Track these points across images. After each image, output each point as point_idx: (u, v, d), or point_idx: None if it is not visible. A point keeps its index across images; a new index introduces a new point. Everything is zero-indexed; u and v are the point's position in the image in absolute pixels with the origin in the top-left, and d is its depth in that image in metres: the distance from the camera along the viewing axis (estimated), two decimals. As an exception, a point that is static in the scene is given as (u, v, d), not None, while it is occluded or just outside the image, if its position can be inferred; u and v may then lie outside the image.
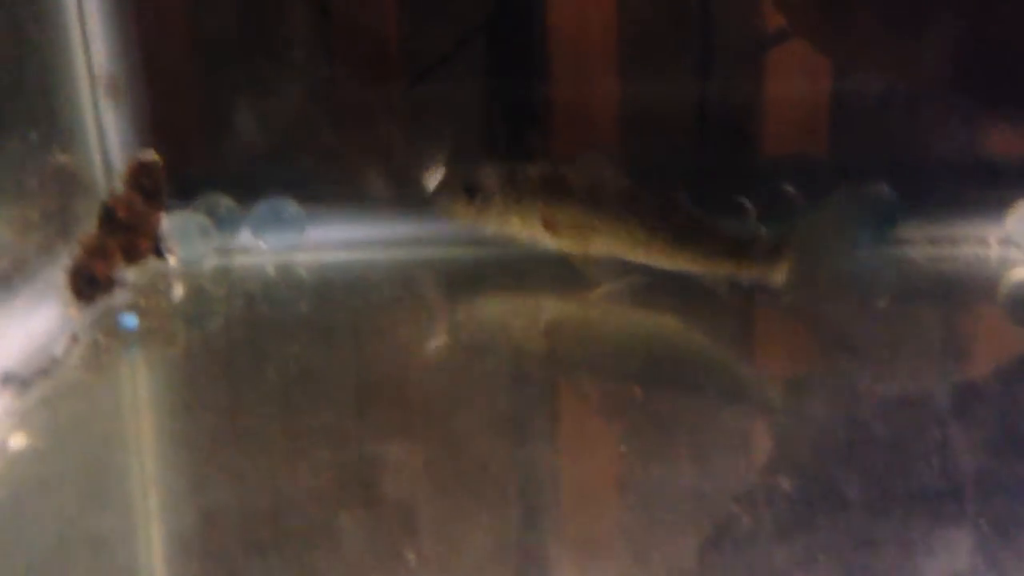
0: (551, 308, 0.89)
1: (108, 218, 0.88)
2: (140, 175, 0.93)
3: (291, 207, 0.97)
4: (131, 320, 0.78)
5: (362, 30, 1.11)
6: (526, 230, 0.91)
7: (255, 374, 0.72)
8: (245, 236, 0.99)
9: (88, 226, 0.89)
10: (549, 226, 0.90)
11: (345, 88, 1.10)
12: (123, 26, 0.97)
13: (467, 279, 0.94)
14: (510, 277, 0.93)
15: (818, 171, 1.11)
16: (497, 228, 0.92)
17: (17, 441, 0.62)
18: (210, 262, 0.96)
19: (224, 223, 0.97)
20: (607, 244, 0.91)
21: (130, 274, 0.89)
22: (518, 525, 0.53)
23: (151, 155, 0.94)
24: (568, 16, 1.11)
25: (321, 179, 1.03)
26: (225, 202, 0.98)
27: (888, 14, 0.85)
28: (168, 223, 0.93)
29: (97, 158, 0.96)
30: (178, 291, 0.91)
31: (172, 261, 0.94)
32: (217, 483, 0.57)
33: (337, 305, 0.88)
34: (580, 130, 1.15)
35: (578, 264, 0.91)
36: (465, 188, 0.91)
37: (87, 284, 0.80)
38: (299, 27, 1.10)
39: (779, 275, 0.82)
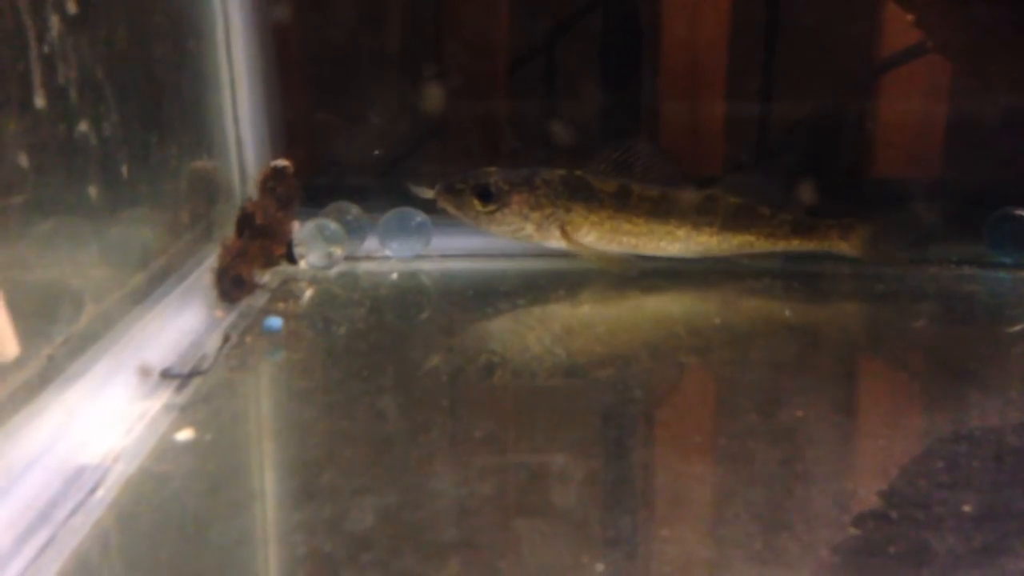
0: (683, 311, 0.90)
1: (246, 223, 0.90)
2: (274, 182, 0.95)
3: (418, 216, 0.99)
4: (276, 322, 0.80)
5: (474, 41, 1.13)
6: (540, 234, 0.91)
7: (400, 377, 0.73)
8: (371, 243, 1.01)
9: (227, 230, 0.91)
10: (567, 233, 0.91)
11: (458, 100, 1.12)
12: (262, 40, 1.01)
13: (587, 285, 0.94)
14: (629, 284, 0.93)
15: (942, 193, 1.09)
16: (509, 232, 0.91)
17: (185, 435, 0.64)
18: (337, 267, 0.98)
19: (352, 230, 0.99)
20: (635, 244, 0.92)
21: (266, 277, 0.92)
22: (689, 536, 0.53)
23: (284, 163, 0.97)
24: (681, 31, 1.12)
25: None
26: (354, 210, 1.00)
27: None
28: (299, 229, 0.96)
29: (235, 164, 0.98)
30: (308, 295, 0.93)
31: (303, 265, 0.96)
32: (383, 484, 0.58)
33: (465, 312, 0.89)
34: (688, 144, 1.15)
35: (594, 261, 0.92)
36: (478, 190, 0.90)
37: (233, 286, 0.82)
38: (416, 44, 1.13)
39: (852, 247, 0.93)
